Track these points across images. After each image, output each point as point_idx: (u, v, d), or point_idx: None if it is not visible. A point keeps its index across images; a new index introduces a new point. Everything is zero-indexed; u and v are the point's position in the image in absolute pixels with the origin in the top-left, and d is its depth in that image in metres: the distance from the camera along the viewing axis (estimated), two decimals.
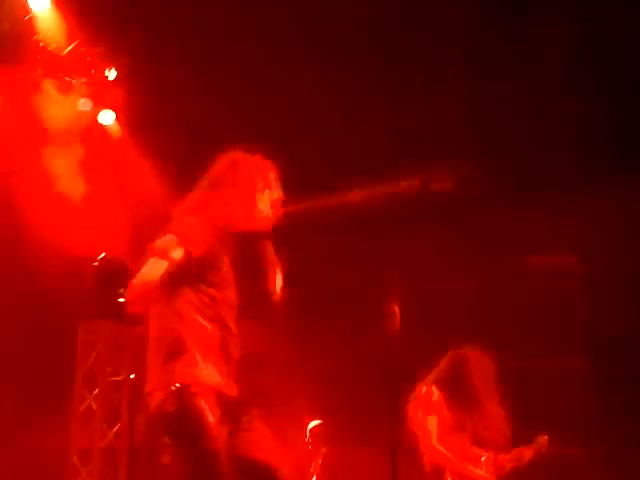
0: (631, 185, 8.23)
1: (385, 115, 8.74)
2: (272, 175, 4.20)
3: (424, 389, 6.32)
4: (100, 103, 9.23)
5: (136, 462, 7.60)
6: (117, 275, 8.17)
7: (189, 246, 3.81)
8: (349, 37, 8.41)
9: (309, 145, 8.88)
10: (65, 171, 8.75)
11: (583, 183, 8.57)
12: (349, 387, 8.62)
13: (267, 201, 4.15)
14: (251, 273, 4.04)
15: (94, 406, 8.16)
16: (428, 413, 6.23)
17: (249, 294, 4.04)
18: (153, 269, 3.76)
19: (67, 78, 8.98)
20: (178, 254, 3.78)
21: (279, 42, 8.37)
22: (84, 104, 9.06)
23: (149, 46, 8.69)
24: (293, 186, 9.27)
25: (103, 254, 8.23)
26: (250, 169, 4.13)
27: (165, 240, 3.82)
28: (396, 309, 5.46)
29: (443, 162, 9.06)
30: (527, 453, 6.49)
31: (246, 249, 4.04)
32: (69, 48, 8.85)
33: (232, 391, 3.92)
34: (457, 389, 6.22)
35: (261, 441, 3.89)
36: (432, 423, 6.18)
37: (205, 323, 3.87)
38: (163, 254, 3.79)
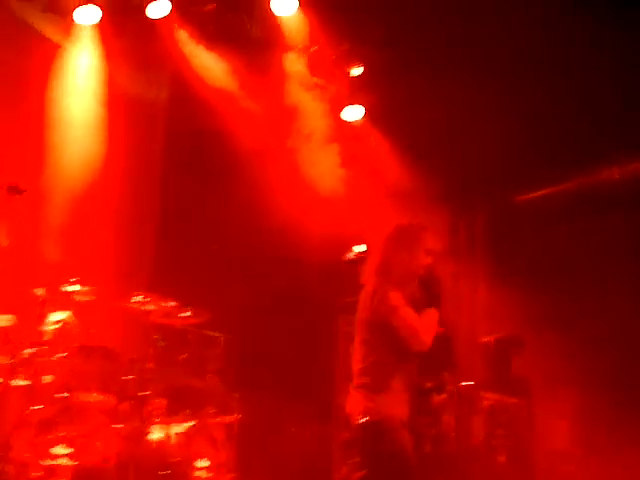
0: None
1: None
2: (427, 238, 5.35)
3: None
4: (348, 100, 9.40)
5: None
6: None
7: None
8: None
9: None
10: (323, 168, 9.00)
11: None
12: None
13: (422, 255, 5.27)
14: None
15: None
16: None
17: None
18: (412, 314, 5.02)
19: (316, 79, 9.20)
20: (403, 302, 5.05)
21: None
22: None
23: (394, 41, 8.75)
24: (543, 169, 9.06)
25: (356, 247, 8.35)
26: (409, 236, 5.32)
27: (394, 296, 5.02)
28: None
29: None
30: None
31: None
32: (314, 48, 9.07)
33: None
34: None
35: None
36: None
37: (403, 362, 5.02)
38: (404, 304, 5.01)
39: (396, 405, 4.97)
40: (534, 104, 8.67)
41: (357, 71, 9.39)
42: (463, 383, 8.09)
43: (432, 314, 5.09)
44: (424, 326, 5.00)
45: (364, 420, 4.90)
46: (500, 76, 8.63)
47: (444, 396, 7.84)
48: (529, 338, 8.77)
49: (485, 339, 8.94)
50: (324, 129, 9.45)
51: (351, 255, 8.44)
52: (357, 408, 4.97)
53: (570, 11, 7.67)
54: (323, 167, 9.30)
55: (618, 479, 8.23)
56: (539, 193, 9.95)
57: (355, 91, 9.49)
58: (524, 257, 9.80)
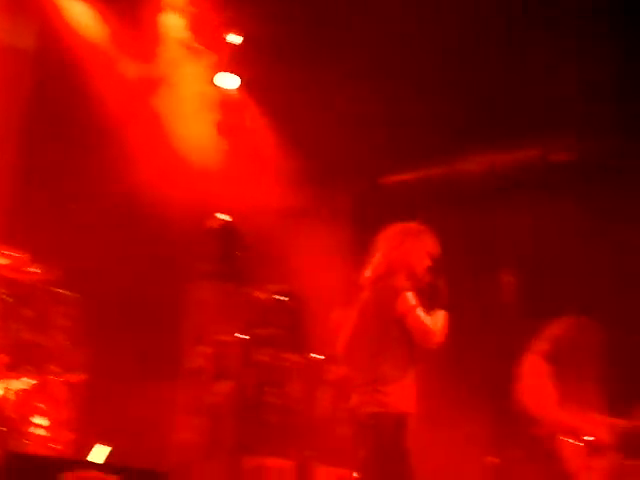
0: None
1: (507, 85, 8.60)
2: (430, 239, 5.58)
3: (535, 358, 6.32)
4: (224, 68, 9.34)
5: (242, 420, 7.71)
6: (231, 237, 8.29)
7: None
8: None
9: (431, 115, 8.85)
10: (194, 134, 8.93)
11: None
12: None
13: (426, 257, 5.51)
14: None
15: (203, 364, 8.28)
16: (537, 384, 6.21)
17: None
18: (426, 316, 5.27)
19: (195, 44, 9.11)
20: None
21: None
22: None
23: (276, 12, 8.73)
24: (409, 154, 9.26)
25: (220, 215, 8.35)
26: (414, 238, 5.55)
27: (412, 296, 5.28)
28: (511, 279, 5.55)
29: (564, 133, 8.91)
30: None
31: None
32: (194, 11, 8.98)
33: None
34: (563, 359, 6.18)
35: None
36: (549, 391, 6.19)
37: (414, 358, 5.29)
38: (418, 305, 5.26)
39: (408, 400, 5.23)
40: (410, 91, 8.82)
41: (236, 39, 9.32)
42: (313, 355, 8.20)
43: (443, 316, 5.34)
44: (437, 327, 5.27)
45: (377, 411, 5.13)
46: (376, 61, 8.74)
47: (292, 367, 7.95)
48: None
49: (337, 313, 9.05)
50: (198, 95, 9.38)
51: (214, 223, 8.43)
52: (368, 401, 5.19)
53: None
54: (194, 134, 9.24)
55: (457, 451, 8.59)
56: (404, 178, 10.13)
57: (233, 60, 9.43)
58: None
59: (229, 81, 9.52)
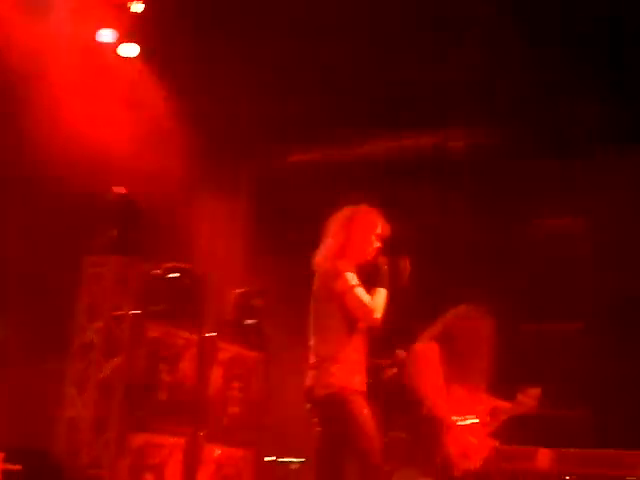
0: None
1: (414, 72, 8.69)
2: (378, 221, 5.57)
3: (424, 344, 6.43)
4: (124, 36, 9.14)
5: (131, 396, 7.65)
6: (128, 211, 8.18)
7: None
8: None
9: (333, 97, 8.87)
10: (89, 104, 8.71)
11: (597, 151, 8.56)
12: None
13: (375, 240, 5.53)
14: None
15: (94, 339, 8.18)
16: (428, 368, 6.32)
17: None
18: (365, 295, 5.31)
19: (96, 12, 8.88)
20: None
21: None
22: (106, 35, 9.00)
23: None
24: (313, 134, 9.25)
25: (116, 189, 8.21)
26: (363, 220, 5.56)
27: (350, 277, 5.32)
28: (407, 264, 5.61)
29: (461, 123, 9.07)
30: (520, 404, 6.61)
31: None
32: None
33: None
34: (455, 345, 6.30)
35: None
36: (432, 377, 6.29)
37: (356, 336, 5.35)
38: (358, 283, 5.31)
39: (353, 376, 5.30)
40: (317, 75, 8.83)
41: (138, 8, 9.14)
42: (206, 334, 8.17)
43: (382, 294, 5.37)
44: (376, 305, 5.32)
45: (325, 392, 5.23)
46: (280, 40, 8.70)
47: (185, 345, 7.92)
48: (279, 294, 8.93)
49: (233, 292, 9.06)
50: (97, 65, 9.16)
51: (111, 196, 8.29)
52: (317, 382, 5.29)
53: None
54: (92, 105, 9.02)
55: None
56: (306, 157, 10.16)
57: (135, 30, 9.24)
58: (287, 217, 9.99)
59: (130, 50, 9.33)
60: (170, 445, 7.73)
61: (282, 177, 10.30)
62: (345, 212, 5.68)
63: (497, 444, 6.60)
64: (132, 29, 9.22)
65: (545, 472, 7.73)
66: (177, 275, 8.01)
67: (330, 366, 5.28)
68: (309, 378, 5.41)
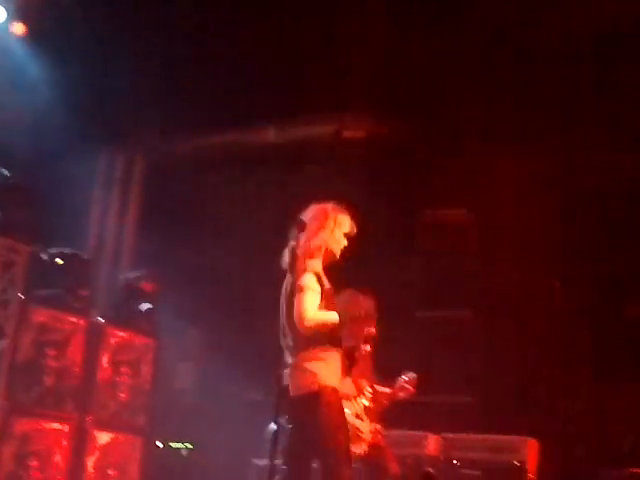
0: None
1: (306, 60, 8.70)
2: (346, 220, 5.58)
3: None
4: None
5: (16, 382, 7.49)
6: (13, 193, 7.98)
7: (322, 282, 5.33)
8: None
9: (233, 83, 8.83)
10: None
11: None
12: None
13: (342, 237, 5.57)
14: None
15: None
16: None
17: None
18: (314, 301, 5.25)
19: None
20: (318, 288, 5.30)
21: None
22: None
23: None
24: (203, 120, 9.18)
25: (1, 169, 8.00)
26: (335, 219, 5.54)
27: (309, 278, 5.29)
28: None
29: (357, 112, 9.13)
30: (400, 389, 6.77)
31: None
32: None
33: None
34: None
35: None
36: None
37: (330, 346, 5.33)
38: (314, 289, 5.27)
39: (329, 376, 5.24)
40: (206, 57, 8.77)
41: None
42: (95, 319, 8.06)
43: (331, 316, 5.28)
44: (314, 316, 5.22)
45: (303, 393, 5.22)
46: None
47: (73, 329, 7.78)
48: (169, 280, 8.85)
49: (123, 276, 8.96)
50: None
51: None
52: (296, 381, 5.26)
53: None
54: None
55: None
56: (198, 142, 10.08)
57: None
58: (177, 204, 9.92)
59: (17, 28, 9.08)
60: (56, 431, 7.58)
61: (173, 165, 10.20)
62: (313, 210, 5.61)
63: (382, 429, 6.70)
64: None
65: (433, 457, 7.87)
66: (65, 259, 7.85)
67: (308, 365, 5.24)
68: (286, 377, 5.37)
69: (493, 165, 8.73)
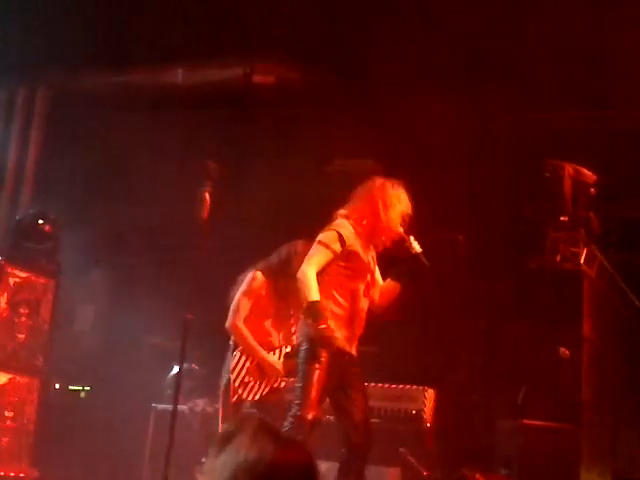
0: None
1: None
2: (406, 197, 5.55)
3: (249, 273, 6.46)
4: None
5: None
6: None
7: (344, 242, 5.41)
8: None
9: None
10: None
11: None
12: None
13: (400, 218, 5.54)
14: None
15: None
16: (244, 295, 6.37)
17: None
18: (320, 257, 5.40)
19: None
20: (337, 247, 5.41)
21: None
22: None
23: None
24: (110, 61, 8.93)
25: None
26: (391, 194, 5.52)
27: (330, 235, 5.43)
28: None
29: (268, 56, 9.00)
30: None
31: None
32: None
33: (350, 350, 5.65)
34: (283, 280, 6.33)
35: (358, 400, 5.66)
36: (244, 304, 6.32)
37: (339, 298, 5.47)
38: (327, 246, 5.41)
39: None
40: None
41: None
42: None
43: (312, 292, 5.33)
44: (307, 278, 5.37)
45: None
46: None
47: None
48: (72, 219, 8.64)
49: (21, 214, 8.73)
50: None
51: None
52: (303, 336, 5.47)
53: None
54: None
55: None
56: (107, 82, 9.81)
57: None
58: (81, 142, 9.68)
59: None
60: None
61: (76, 102, 9.91)
62: (374, 184, 5.62)
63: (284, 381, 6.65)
64: None
65: None
66: None
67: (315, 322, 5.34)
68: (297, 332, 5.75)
69: (401, 116, 8.72)
